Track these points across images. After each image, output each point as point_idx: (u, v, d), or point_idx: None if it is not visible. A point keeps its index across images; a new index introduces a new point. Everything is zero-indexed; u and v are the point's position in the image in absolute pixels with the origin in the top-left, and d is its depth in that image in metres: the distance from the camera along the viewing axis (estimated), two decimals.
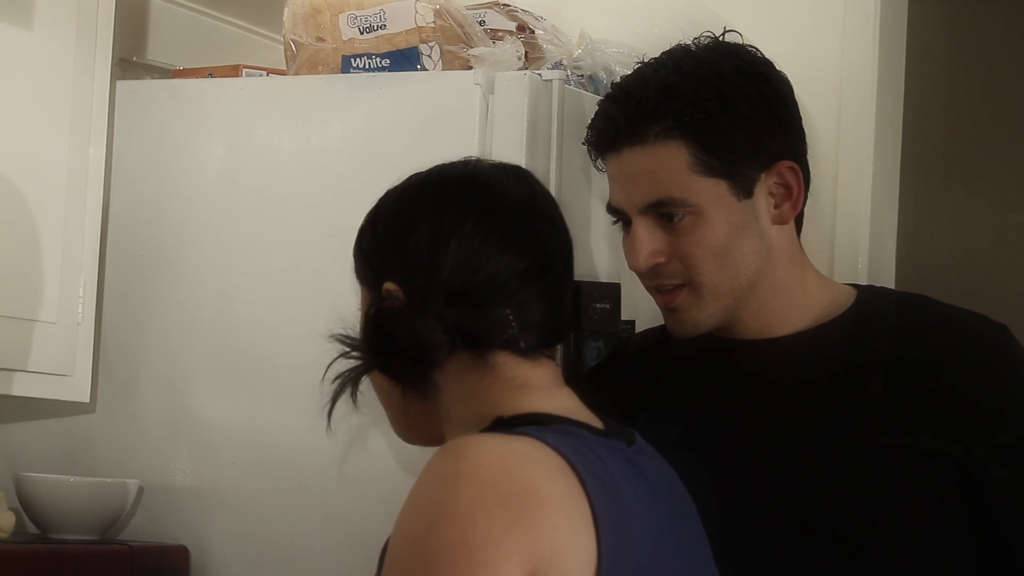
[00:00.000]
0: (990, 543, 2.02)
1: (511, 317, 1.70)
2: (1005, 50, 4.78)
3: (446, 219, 1.72)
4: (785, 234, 2.10)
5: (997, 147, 4.75)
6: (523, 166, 2.08)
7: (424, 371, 1.71)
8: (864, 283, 2.36)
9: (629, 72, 2.16)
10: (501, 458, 1.54)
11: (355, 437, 2.59)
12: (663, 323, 2.15)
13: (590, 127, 2.11)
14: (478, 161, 1.83)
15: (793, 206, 2.08)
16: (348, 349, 1.74)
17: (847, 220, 3.11)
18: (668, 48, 2.12)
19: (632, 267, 2.07)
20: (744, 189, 2.04)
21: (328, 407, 1.75)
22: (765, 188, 2.06)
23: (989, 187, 4.73)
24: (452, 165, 1.82)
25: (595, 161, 2.13)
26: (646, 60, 2.12)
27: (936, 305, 2.13)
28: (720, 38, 2.12)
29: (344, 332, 1.75)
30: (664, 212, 2.03)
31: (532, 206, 1.77)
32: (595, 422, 1.71)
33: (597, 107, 2.12)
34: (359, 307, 1.80)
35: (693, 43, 2.11)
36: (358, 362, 1.75)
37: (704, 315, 2.06)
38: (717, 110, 2.01)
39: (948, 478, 1.99)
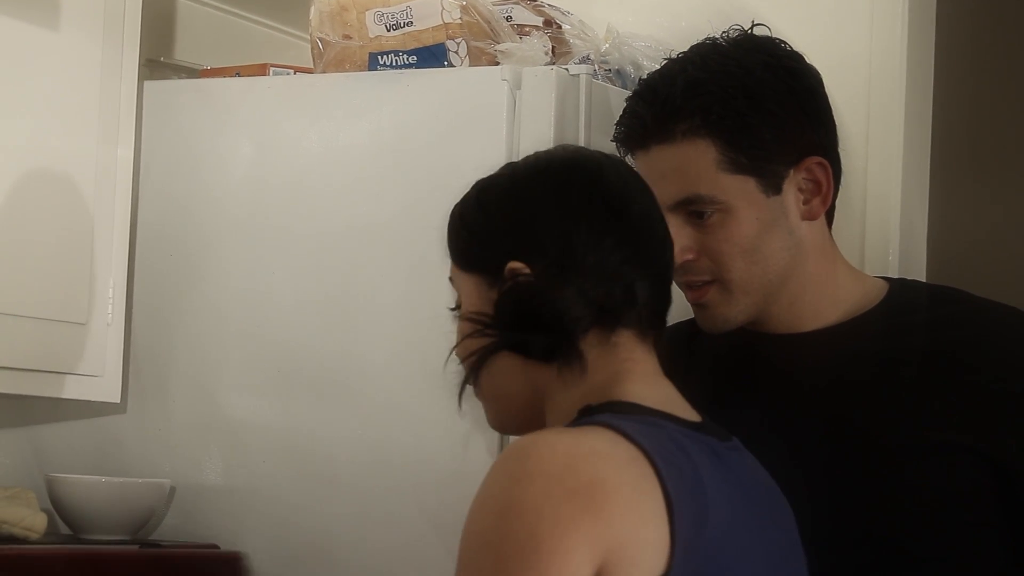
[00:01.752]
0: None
1: (637, 294, 1.74)
2: None
3: (573, 199, 1.74)
4: (815, 229, 2.09)
5: None
6: None
7: (570, 344, 1.73)
8: (895, 275, 2.35)
9: (656, 66, 2.15)
10: (567, 455, 1.55)
11: (387, 435, 2.59)
12: (693, 316, 2.15)
13: (618, 124, 2.10)
14: (578, 148, 1.86)
15: (823, 202, 2.07)
16: (481, 327, 1.76)
17: (877, 212, 3.09)
18: (696, 43, 2.11)
19: None
20: (773, 186, 2.03)
21: (458, 389, 1.79)
22: (794, 184, 2.05)
23: (1020, 177, 4.70)
24: (554, 152, 1.85)
25: (624, 158, 2.12)
26: (673, 56, 2.11)
27: (969, 298, 2.11)
28: (749, 32, 2.11)
29: (477, 312, 1.77)
30: (693, 209, 2.02)
31: (642, 190, 1.80)
32: (691, 415, 1.73)
33: (625, 104, 2.11)
34: (455, 297, 1.82)
35: (721, 37, 2.09)
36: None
37: (734, 311, 2.06)
38: (744, 107, 2.00)
39: (981, 472, 1.98)
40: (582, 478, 1.53)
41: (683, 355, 2.21)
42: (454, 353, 1.81)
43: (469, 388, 1.79)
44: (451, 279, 1.83)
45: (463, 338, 1.78)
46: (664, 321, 1.80)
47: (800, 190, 2.06)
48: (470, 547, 1.54)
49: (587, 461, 1.54)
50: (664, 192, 2.02)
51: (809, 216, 2.07)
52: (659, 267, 1.77)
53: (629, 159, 2.11)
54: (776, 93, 2.03)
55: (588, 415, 1.64)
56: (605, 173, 1.78)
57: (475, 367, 1.76)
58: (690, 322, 2.18)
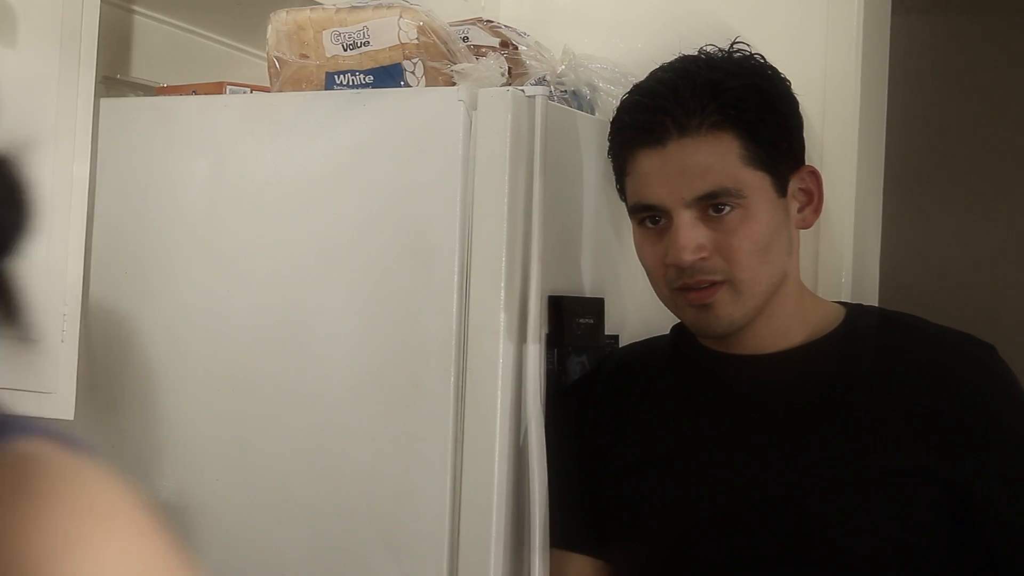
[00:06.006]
0: (978, 561, 2.02)
1: None
2: (987, 63, 4.80)
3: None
4: (796, 246, 2.12)
5: (980, 160, 4.76)
6: (506, 181, 2.10)
7: None
8: (848, 299, 2.37)
9: (613, 88, 2.16)
10: None
11: (341, 454, 2.59)
12: (649, 336, 2.15)
13: (628, 126, 2.11)
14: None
15: (814, 211, 2.11)
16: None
17: (830, 235, 3.11)
18: (669, 59, 2.14)
19: (674, 262, 2.05)
20: (781, 187, 2.06)
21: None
22: (792, 191, 2.08)
23: (973, 201, 4.74)
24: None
25: (615, 160, 2.14)
26: (666, 64, 2.14)
27: (924, 324, 2.13)
28: (729, 49, 2.14)
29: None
30: (715, 204, 2.03)
31: None
32: None
33: (630, 107, 2.12)
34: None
35: (701, 53, 2.13)
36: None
37: (739, 312, 2.07)
38: (761, 103, 2.04)
39: (936, 496, 1.99)
40: None
41: (638, 376, 2.22)
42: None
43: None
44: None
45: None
46: None
47: (795, 198, 2.09)
48: None
49: None
50: (685, 187, 2.03)
51: (801, 225, 2.11)
52: None
53: (623, 162, 2.12)
54: (781, 96, 2.08)
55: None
56: None
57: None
58: (646, 343, 2.19)
